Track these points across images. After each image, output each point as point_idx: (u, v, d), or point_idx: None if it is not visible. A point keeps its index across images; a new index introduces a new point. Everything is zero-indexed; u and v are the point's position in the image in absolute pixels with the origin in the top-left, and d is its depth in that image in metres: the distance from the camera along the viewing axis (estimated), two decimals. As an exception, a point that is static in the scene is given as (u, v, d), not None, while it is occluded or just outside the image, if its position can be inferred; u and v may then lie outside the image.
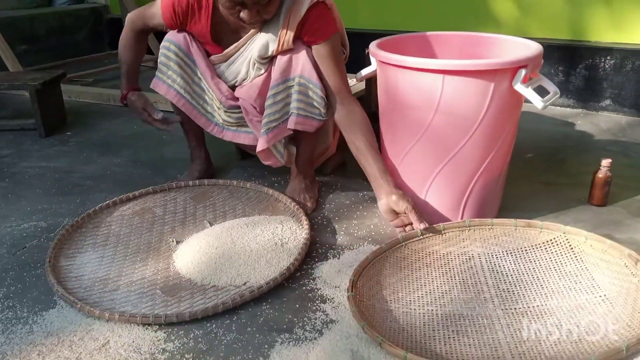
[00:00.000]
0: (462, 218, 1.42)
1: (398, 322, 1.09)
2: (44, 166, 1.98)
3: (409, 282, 1.22)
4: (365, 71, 1.53)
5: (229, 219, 1.50)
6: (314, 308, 1.16)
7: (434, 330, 1.07)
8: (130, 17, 1.60)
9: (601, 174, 1.53)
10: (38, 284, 1.26)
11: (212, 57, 1.56)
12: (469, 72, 1.23)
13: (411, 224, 1.32)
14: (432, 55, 1.59)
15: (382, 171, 1.38)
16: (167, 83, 1.56)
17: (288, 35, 1.43)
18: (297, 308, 1.16)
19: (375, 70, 1.47)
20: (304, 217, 1.45)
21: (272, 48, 1.46)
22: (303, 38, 1.46)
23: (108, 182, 1.84)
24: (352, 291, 1.11)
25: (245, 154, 1.94)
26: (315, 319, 1.13)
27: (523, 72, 1.25)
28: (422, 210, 1.37)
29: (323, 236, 1.45)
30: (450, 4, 2.72)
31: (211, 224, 1.48)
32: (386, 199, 1.34)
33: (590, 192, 1.58)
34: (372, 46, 1.41)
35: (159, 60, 1.56)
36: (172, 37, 1.54)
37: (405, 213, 1.32)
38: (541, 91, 1.28)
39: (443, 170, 1.35)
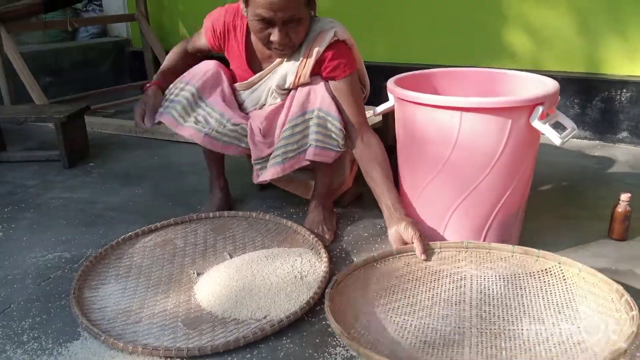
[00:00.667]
0: (480, 252, 1.42)
1: (370, 323, 1.15)
2: (68, 197, 2.03)
3: (393, 291, 1.27)
4: (382, 107, 1.56)
5: (248, 251, 1.52)
6: (334, 343, 1.16)
7: (402, 337, 1.11)
8: (183, 41, 1.74)
9: (621, 208, 1.53)
10: (62, 315, 1.28)
11: (237, 85, 1.62)
12: (487, 109, 1.25)
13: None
14: (449, 90, 1.61)
15: (395, 201, 1.43)
16: (171, 114, 1.58)
17: (306, 69, 1.48)
18: (317, 343, 1.17)
19: (393, 105, 1.50)
20: (322, 250, 1.47)
21: (290, 80, 1.51)
22: (322, 73, 1.50)
23: (130, 213, 1.87)
24: (332, 289, 1.18)
25: (264, 186, 1.97)
26: (336, 354, 1.13)
27: (540, 109, 1.27)
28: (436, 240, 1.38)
29: (342, 268, 1.46)
30: (466, 38, 2.77)
31: (231, 256, 1.50)
32: (396, 227, 1.38)
33: (610, 226, 1.57)
34: (390, 83, 1.45)
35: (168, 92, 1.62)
36: (189, 78, 1.60)
37: (411, 242, 1.36)
38: (558, 126, 1.30)
39: (461, 204, 1.36)
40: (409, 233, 1.36)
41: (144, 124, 1.59)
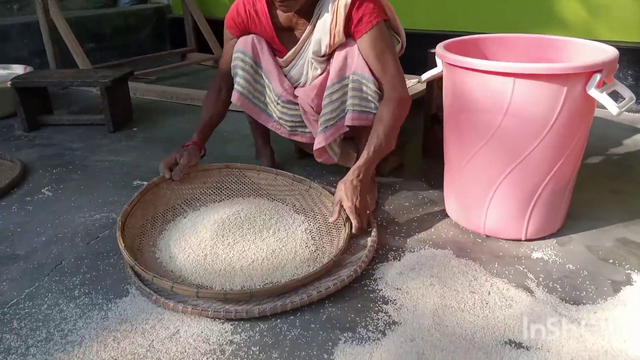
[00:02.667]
0: (528, 225, 1.39)
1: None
2: (113, 160, 2.07)
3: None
4: (429, 74, 1.52)
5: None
6: (376, 309, 1.17)
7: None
8: (211, 81, 1.72)
9: (676, 183, 1.47)
10: (111, 273, 1.32)
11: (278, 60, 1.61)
12: (542, 75, 1.20)
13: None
14: (498, 57, 1.56)
15: (359, 163, 1.43)
16: (236, 89, 1.62)
17: (338, 27, 1.45)
18: (360, 308, 1.17)
19: (441, 72, 1.46)
20: (371, 219, 1.46)
21: (325, 43, 1.48)
22: (352, 29, 1.46)
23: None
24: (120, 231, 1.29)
25: (304, 152, 1.97)
26: (378, 319, 1.13)
27: (598, 76, 1.21)
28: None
29: (383, 238, 1.45)
30: (514, 4, 2.66)
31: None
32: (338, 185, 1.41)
33: (663, 201, 1.51)
34: (439, 48, 1.41)
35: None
36: (239, 46, 1.61)
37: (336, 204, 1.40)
38: (615, 96, 1.24)
39: (510, 174, 1.32)
40: (336, 196, 1.40)
41: (168, 174, 1.52)
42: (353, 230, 1.36)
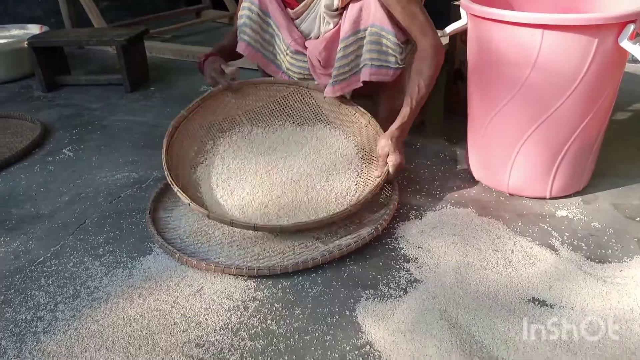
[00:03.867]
0: (553, 183, 1.36)
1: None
2: (132, 120, 2.07)
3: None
4: (453, 26, 1.47)
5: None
6: (398, 267, 1.17)
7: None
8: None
9: None
10: (134, 231, 1.33)
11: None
12: (572, 27, 1.15)
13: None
14: (525, 9, 1.49)
15: (398, 120, 1.41)
16: (242, 38, 1.58)
17: None
18: (381, 266, 1.17)
19: (465, 25, 1.41)
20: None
21: None
22: None
23: (192, 136, 1.89)
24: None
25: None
26: (400, 277, 1.13)
27: (632, 27, 1.16)
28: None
29: (404, 196, 1.44)
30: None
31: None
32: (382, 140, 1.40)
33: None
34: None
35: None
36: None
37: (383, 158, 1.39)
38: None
39: (536, 131, 1.29)
40: (381, 150, 1.38)
41: (224, 81, 1.54)
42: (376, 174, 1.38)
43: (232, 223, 1.18)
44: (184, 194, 1.22)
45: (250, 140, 1.52)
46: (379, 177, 1.36)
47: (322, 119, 1.59)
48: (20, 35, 2.77)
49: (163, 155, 1.32)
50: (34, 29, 2.82)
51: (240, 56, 1.63)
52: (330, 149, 1.50)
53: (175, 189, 1.23)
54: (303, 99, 1.60)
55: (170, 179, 1.25)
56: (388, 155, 1.36)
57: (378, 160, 1.40)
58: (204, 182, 1.39)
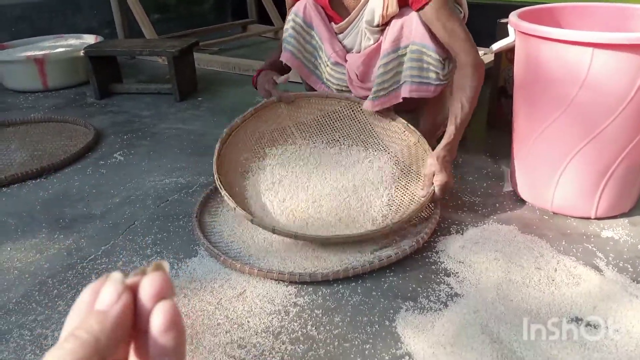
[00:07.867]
0: (598, 203, 1.34)
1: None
2: (180, 128, 2.14)
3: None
4: (499, 44, 1.47)
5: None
6: (438, 280, 1.17)
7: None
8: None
9: None
10: (181, 234, 1.38)
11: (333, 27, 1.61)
12: (623, 46, 1.14)
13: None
14: (574, 27, 1.49)
15: (446, 140, 1.42)
16: (286, 49, 1.62)
17: None
18: (421, 279, 1.18)
19: (513, 42, 1.42)
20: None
21: (378, 13, 1.45)
22: (410, 4, 1.43)
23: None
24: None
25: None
26: (440, 290, 1.13)
27: (685, 47, 1.14)
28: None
29: (446, 211, 1.44)
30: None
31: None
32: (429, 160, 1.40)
33: None
34: (513, 16, 1.36)
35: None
36: (293, 8, 1.62)
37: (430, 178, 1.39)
38: None
39: (583, 150, 1.28)
40: (427, 169, 1.38)
41: (277, 92, 1.59)
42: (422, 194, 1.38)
43: (274, 230, 1.21)
44: (230, 198, 1.25)
45: (299, 152, 1.56)
46: (424, 197, 1.37)
47: (371, 135, 1.61)
48: (76, 44, 2.90)
49: (215, 159, 1.36)
50: (90, 39, 2.95)
51: (288, 70, 1.68)
52: (376, 166, 1.51)
53: (223, 192, 1.27)
54: (354, 114, 1.62)
55: (219, 183, 1.29)
56: (434, 174, 1.37)
57: (424, 180, 1.40)
58: (250, 189, 1.43)
